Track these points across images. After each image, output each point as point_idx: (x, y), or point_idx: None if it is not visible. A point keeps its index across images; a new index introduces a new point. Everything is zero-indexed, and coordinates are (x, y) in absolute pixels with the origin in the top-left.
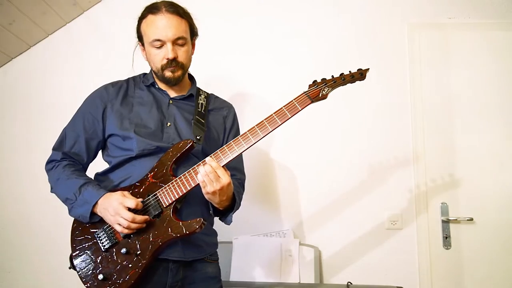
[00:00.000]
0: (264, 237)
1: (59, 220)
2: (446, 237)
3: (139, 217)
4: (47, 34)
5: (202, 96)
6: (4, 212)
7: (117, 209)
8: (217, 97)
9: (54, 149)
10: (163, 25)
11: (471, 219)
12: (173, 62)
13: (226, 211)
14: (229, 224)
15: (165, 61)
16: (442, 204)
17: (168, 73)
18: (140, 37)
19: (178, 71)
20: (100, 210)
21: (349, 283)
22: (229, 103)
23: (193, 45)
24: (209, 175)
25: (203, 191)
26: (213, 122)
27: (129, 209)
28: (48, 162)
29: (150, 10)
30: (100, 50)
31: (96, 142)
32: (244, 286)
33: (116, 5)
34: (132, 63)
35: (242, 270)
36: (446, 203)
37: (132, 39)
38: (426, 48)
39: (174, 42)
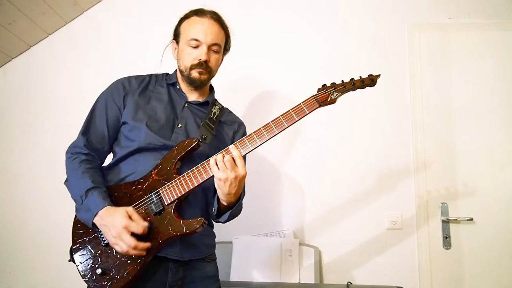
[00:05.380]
0: (264, 237)
1: (59, 220)
2: (446, 237)
3: (142, 245)
4: (47, 34)
5: (217, 107)
6: (4, 212)
7: (120, 233)
8: (231, 112)
9: (81, 133)
10: (205, 28)
11: (471, 219)
12: (203, 65)
13: (227, 209)
14: (223, 222)
15: (196, 62)
16: (442, 204)
17: (195, 74)
18: (176, 35)
19: (205, 75)
20: (100, 224)
21: (349, 283)
22: (241, 120)
23: (222, 57)
24: (225, 162)
25: (215, 177)
26: (222, 134)
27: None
28: (72, 146)
29: (196, 12)
30: (100, 50)
31: (117, 131)
32: (244, 286)
33: (116, 5)
34: (160, 59)
35: (242, 270)
36: (446, 203)
37: (132, 39)
38: (426, 48)
39: (210, 47)
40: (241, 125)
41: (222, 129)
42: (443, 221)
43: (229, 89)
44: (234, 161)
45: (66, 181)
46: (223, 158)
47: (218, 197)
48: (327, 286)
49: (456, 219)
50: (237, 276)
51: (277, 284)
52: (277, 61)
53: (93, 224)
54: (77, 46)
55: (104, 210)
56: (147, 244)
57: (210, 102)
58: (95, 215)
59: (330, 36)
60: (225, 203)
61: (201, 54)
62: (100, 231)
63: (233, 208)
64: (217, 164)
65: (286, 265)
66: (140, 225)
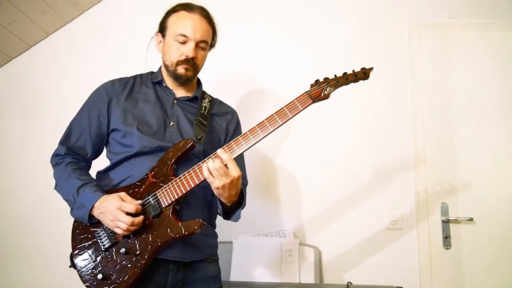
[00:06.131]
0: (264, 237)
1: (59, 220)
2: (446, 237)
3: (138, 220)
4: (47, 34)
5: (207, 99)
6: (4, 212)
7: (115, 215)
8: (221, 102)
9: (60, 142)
10: (194, 24)
11: (471, 219)
12: (190, 61)
13: (233, 208)
14: (237, 221)
15: (183, 58)
16: (442, 204)
17: (181, 70)
18: (162, 29)
19: (191, 72)
20: (98, 214)
21: (349, 283)
22: (232, 108)
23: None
24: (218, 170)
25: (212, 186)
26: (215, 126)
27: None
28: (53, 156)
29: (185, 7)
30: (100, 50)
31: (101, 137)
32: (244, 286)
33: (116, 5)
34: (146, 55)
35: (242, 270)
36: (446, 203)
37: (132, 39)
38: (426, 48)
39: (198, 44)
40: (233, 114)
41: (214, 121)
42: (443, 221)
43: (226, 87)
44: (226, 165)
45: (55, 186)
46: (215, 167)
47: (218, 199)
48: (327, 286)
49: (456, 219)
50: (237, 276)
51: (277, 284)
52: (277, 62)
53: (90, 218)
54: (77, 46)
55: (99, 201)
56: (141, 217)
57: (199, 96)
58: (91, 209)
59: (329, 36)
60: (228, 204)
61: (188, 50)
62: (100, 236)
63: (242, 205)
64: (211, 174)
65: (286, 265)
66: (132, 204)
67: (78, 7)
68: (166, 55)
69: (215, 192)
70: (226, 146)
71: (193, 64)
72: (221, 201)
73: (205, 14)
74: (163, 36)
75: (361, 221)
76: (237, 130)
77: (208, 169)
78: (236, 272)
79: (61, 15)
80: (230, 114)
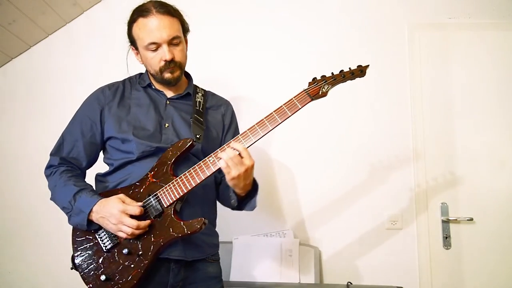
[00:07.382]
0: (264, 237)
1: (60, 220)
2: (446, 237)
3: (144, 223)
4: (47, 34)
5: (199, 94)
6: (4, 213)
7: (119, 218)
8: (214, 94)
9: (52, 154)
10: (156, 27)
11: (471, 219)
12: (171, 63)
13: (248, 197)
14: (252, 210)
15: (162, 63)
16: (442, 204)
17: (167, 75)
18: (132, 42)
19: (177, 71)
20: (97, 218)
21: (349, 283)
22: (226, 99)
23: (186, 41)
24: (233, 159)
25: (227, 177)
26: (211, 121)
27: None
28: (47, 168)
29: (140, 13)
30: (100, 50)
31: (95, 146)
32: (244, 286)
33: (116, 5)
34: (127, 68)
35: (242, 270)
36: (446, 203)
37: None
38: (426, 48)
39: (170, 43)
40: (227, 105)
41: (209, 116)
42: (443, 221)
43: (225, 86)
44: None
45: (51, 196)
46: (229, 156)
47: (233, 189)
48: (327, 286)
49: (456, 219)
50: (237, 276)
51: (277, 284)
52: (277, 61)
53: (89, 223)
54: (77, 46)
55: (97, 205)
56: (147, 222)
57: (191, 92)
58: (89, 213)
59: (329, 36)
60: (243, 194)
61: (164, 55)
62: (101, 237)
63: (257, 191)
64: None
65: (286, 265)
66: (136, 207)
67: (78, 7)
68: (148, 66)
69: (230, 183)
70: (226, 145)
71: (176, 64)
72: (235, 192)
73: (163, 10)
74: (136, 48)
75: (361, 221)
76: (232, 122)
77: (225, 159)
78: (236, 272)
79: (61, 15)
80: (224, 106)
